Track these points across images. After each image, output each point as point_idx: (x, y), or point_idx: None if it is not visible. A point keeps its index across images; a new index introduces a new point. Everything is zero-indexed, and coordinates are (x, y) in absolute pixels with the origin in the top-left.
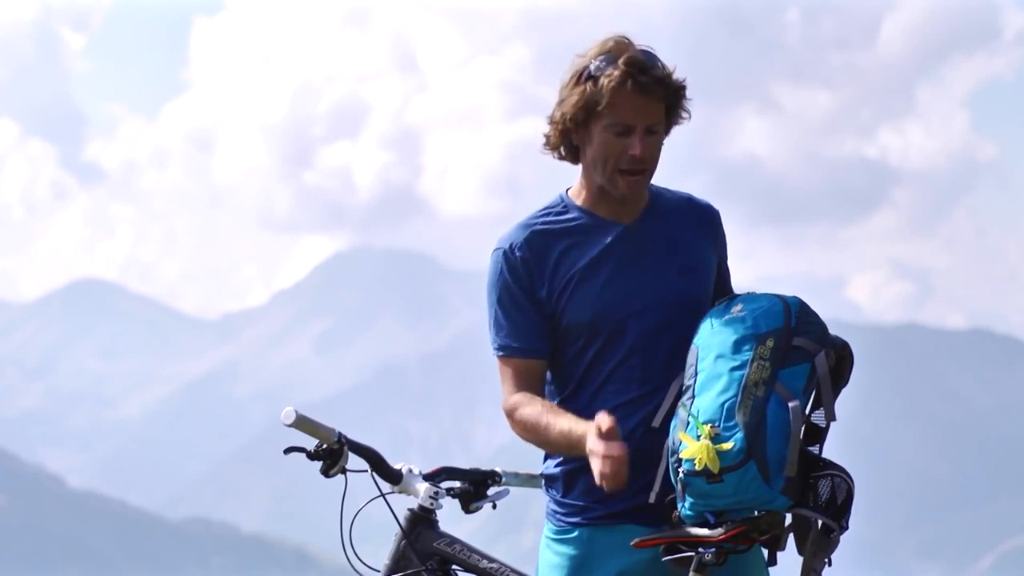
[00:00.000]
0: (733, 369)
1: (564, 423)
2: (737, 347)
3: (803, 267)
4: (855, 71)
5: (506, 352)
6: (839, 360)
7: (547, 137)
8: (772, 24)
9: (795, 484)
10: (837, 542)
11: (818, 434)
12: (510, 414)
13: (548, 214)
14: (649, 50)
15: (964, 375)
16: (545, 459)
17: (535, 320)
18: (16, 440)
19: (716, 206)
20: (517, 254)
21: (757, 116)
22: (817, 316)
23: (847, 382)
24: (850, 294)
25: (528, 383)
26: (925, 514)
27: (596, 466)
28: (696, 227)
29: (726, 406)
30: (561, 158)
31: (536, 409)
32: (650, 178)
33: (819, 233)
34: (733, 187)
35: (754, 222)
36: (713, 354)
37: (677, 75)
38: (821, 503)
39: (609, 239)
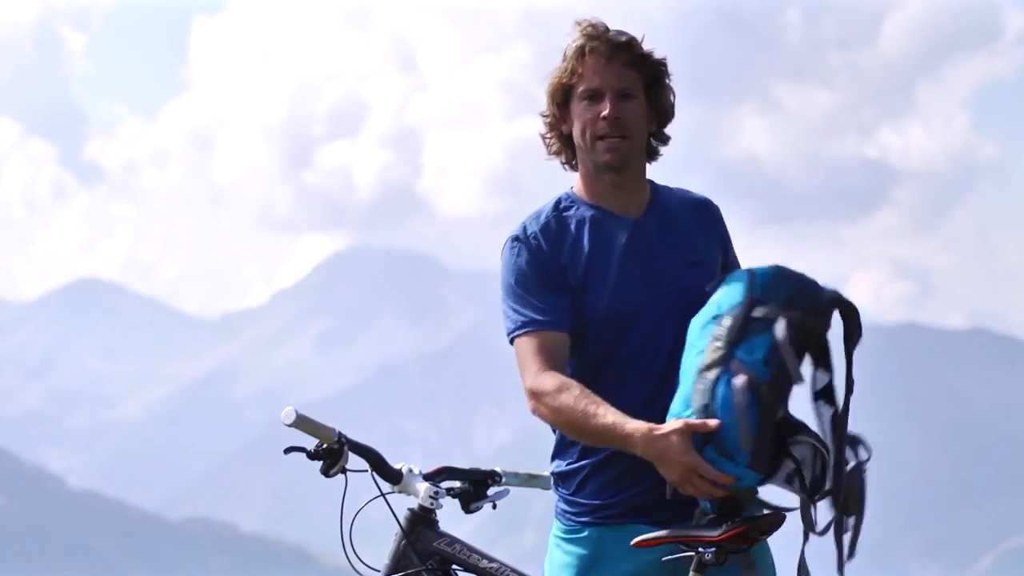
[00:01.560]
0: (696, 356)
1: (609, 416)
2: (700, 335)
3: (803, 266)
4: (856, 71)
5: (531, 327)
6: (844, 317)
7: (544, 139)
8: (773, 23)
9: (761, 457)
10: (840, 523)
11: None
12: (539, 395)
13: (557, 208)
14: (624, 32)
15: (964, 375)
16: (554, 458)
17: (557, 297)
18: (16, 440)
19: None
20: (533, 241)
21: (757, 116)
22: (794, 279)
23: (859, 336)
24: (850, 294)
25: (554, 360)
26: (925, 514)
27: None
28: (698, 222)
29: (685, 396)
30: (565, 163)
31: (574, 395)
32: (633, 146)
33: (819, 233)
34: (733, 187)
35: (755, 222)
36: (689, 349)
37: (653, 51)
38: (793, 474)
39: (619, 233)
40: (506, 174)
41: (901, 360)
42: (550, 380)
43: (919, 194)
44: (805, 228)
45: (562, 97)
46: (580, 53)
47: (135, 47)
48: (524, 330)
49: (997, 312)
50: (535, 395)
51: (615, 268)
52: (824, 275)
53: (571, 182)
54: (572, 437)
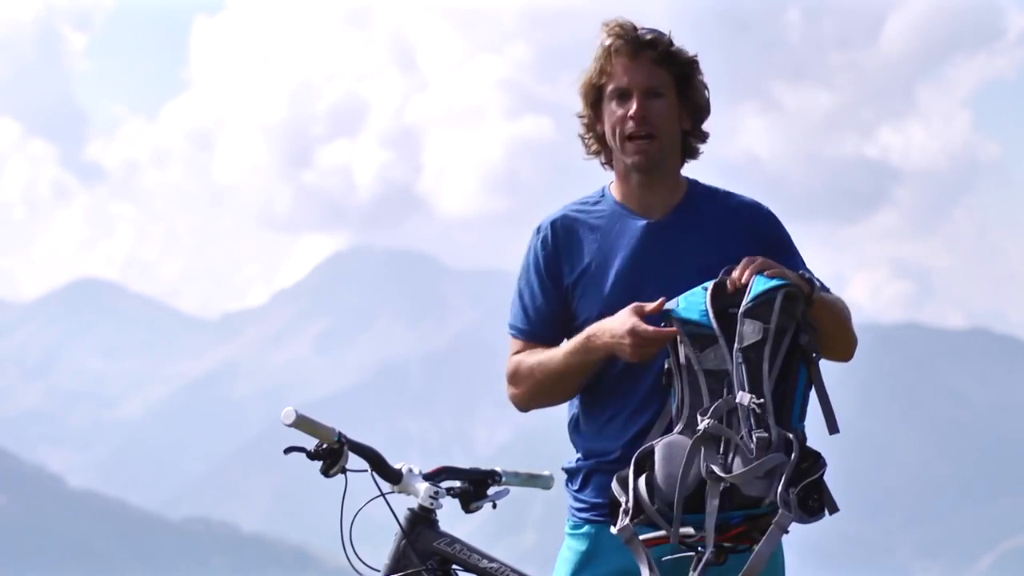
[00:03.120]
0: None
1: (565, 344)
2: None
3: None
4: (856, 70)
5: (512, 332)
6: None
7: (583, 139)
8: (773, 23)
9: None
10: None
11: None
12: (512, 375)
13: (585, 202)
14: (654, 29)
15: (964, 375)
16: (577, 451)
17: (547, 306)
18: (16, 440)
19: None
20: (542, 235)
21: (758, 115)
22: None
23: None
24: (850, 294)
25: None
26: (925, 514)
27: (625, 338)
28: (732, 227)
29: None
30: (604, 163)
31: (538, 352)
32: (662, 146)
33: (820, 232)
34: (733, 187)
35: None
36: None
37: (683, 48)
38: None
39: (631, 234)
40: (506, 173)
41: (901, 360)
42: (512, 362)
43: (919, 194)
44: (805, 228)
45: (594, 97)
46: (607, 53)
47: (135, 47)
48: (512, 332)
49: (997, 312)
50: (508, 379)
51: (616, 269)
52: (824, 275)
53: (571, 180)
54: (549, 393)
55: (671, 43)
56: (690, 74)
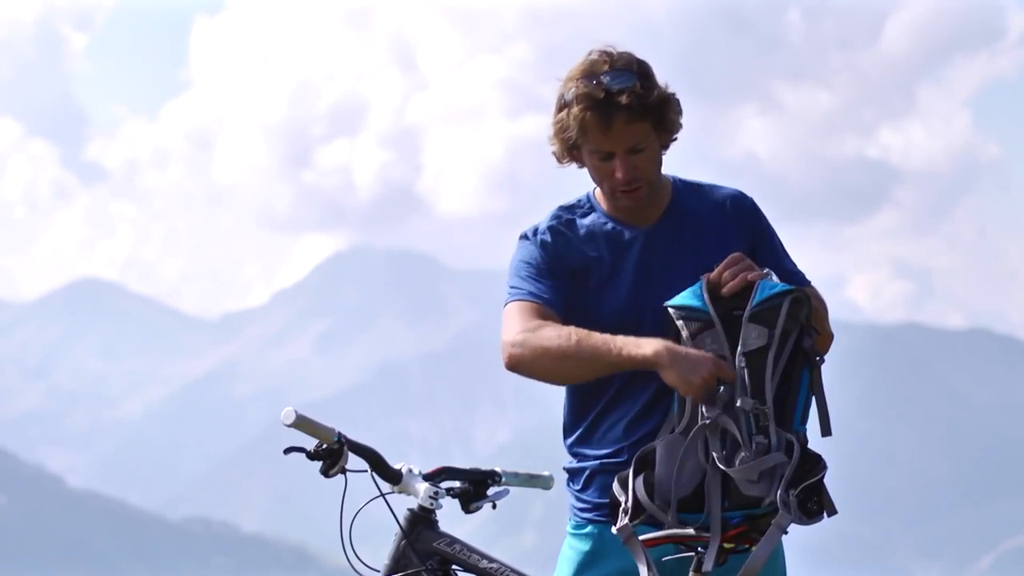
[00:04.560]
0: None
1: (603, 335)
2: None
3: (803, 266)
4: (856, 70)
5: (521, 296)
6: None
7: (556, 157)
8: (773, 23)
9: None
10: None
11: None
12: (518, 341)
13: (574, 212)
14: (622, 70)
15: (964, 375)
16: (570, 451)
17: (557, 283)
18: (16, 440)
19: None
20: (540, 238)
21: (758, 115)
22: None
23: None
24: (850, 294)
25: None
26: (925, 514)
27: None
28: (721, 221)
29: None
30: (581, 167)
31: (565, 327)
32: (649, 189)
33: (820, 233)
34: (733, 187)
35: None
36: None
37: (659, 87)
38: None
39: (628, 245)
40: (506, 173)
41: (901, 360)
42: (532, 323)
43: (920, 194)
44: (805, 228)
45: (569, 145)
46: (581, 124)
47: (136, 47)
48: (515, 298)
49: (997, 312)
50: (514, 343)
51: (618, 280)
52: (824, 275)
53: (572, 181)
54: (557, 371)
55: (643, 89)
56: (665, 112)
